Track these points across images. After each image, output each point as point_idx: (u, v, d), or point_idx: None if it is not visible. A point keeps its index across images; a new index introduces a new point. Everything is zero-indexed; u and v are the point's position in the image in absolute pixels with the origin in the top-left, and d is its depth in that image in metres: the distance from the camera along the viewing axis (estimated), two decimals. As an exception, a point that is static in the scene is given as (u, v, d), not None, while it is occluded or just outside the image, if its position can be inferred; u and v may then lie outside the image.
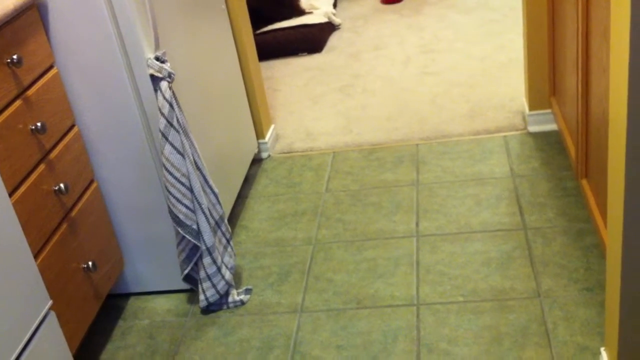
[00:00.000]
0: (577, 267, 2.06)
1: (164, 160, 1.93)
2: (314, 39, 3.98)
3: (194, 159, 1.99)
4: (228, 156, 2.48)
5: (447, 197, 2.48)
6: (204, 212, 2.00)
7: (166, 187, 1.96)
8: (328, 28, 4.19)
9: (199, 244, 2.03)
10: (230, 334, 2.05)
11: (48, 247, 1.76)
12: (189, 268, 2.08)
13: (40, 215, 1.73)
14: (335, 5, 4.59)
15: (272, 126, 3.03)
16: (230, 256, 2.15)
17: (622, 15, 1.27)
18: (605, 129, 1.83)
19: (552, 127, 2.77)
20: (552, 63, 2.61)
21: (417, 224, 2.37)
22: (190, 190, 1.98)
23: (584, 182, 2.17)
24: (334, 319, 2.03)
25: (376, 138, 2.95)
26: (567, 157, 2.58)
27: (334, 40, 4.12)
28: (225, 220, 2.13)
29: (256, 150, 2.87)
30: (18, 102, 1.69)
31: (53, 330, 1.67)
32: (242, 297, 2.15)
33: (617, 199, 1.43)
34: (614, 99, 1.39)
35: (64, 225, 1.84)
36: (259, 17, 4.15)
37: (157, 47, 1.92)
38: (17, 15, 1.71)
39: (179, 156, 1.94)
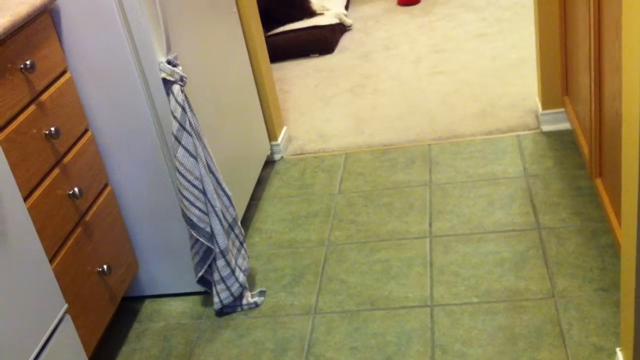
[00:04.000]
0: (592, 267, 2.05)
1: (177, 163, 1.94)
2: (325, 40, 3.99)
3: (206, 162, 2.00)
4: (241, 158, 2.49)
5: (460, 198, 2.47)
6: (217, 215, 2.00)
7: (179, 190, 1.97)
8: (339, 29, 4.19)
9: (212, 247, 2.04)
10: (245, 336, 2.05)
11: (63, 251, 1.77)
12: (202, 270, 2.09)
13: (55, 220, 1.74)
14: (347, 7, 4.59)
15: (285, 128, 3.04)
16: (244, 258, 2.16)
17: (634, 12, 1.27)
18: (618, 127, 1.82)
19: (565, 126, 2.76)
20: (565, 61, 2.59)
21: (430, 225, 2.37)
22: (204, 193, 1.98)
23: (598, 181, 2.16)
24: (348, 321, 2.03)
25: (388, 138, 2.94)
26: (580, 156, 2.56)
27: (345, 41, 4.12)
28: (239, 223, 2.14)
29: (269, 152, 2.88)
30: (32, 108, 1.70)
31: (69, 334, 1.68)
32: (256, 299, 2.16)
33: (631, 198, 1.42)
34: (627, 98, 1.38)
35: (79, 229, 1.86)
36: (270, 19, 4.16)
37: (168, 50, 1.93)
38: (29, 21, 1.72)
39: (192, 159, 1.94)
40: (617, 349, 1.68)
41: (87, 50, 1.89)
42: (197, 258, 2.08)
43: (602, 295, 1.94)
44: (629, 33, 1.32)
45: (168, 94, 1.93)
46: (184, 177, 1.95)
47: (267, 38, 3.94)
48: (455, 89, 3.27)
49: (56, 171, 1.78)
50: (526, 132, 2.80)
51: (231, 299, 2.11)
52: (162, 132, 2.00)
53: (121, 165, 2.05)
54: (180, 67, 1.94)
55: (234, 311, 2.15)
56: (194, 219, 1.99)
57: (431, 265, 2.18)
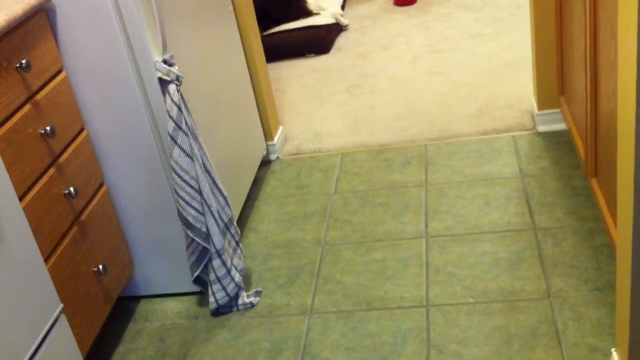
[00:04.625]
0: (588, 267, 2.05)
1: (172, 163, 1.94)
2: (321, 40, 3.99)
3: (202, 162, 1.99)
4: (237, 158, 2.48)
5: (456, 198, 2.47)
6: (213, 215, 2.00)
7: (175, 190, 1.97)
8: (335, 29, 4.19)
9: (208, 247, 2.04)
10: (240, 336, 2.05)
11: (58, 251, 1.77)
12: (198, 270, 2.09)
13: (50, 219, 1.74)
14: (343, 7, 4.59)
15: (281, 128, 3.04)
16: (240, 258, 2.16)
17: (630, 13, 1.27)
18: (614, 128, 1.82)
19: (561, 126, 2.76)
20: (560, 62, 2.60)
21: (426, 225, 2.37)
22: (199, 192, 1.98)
23: (594, 181, 2.17)
24: (344, 321, 2.03)
25: (384, 139, 2.94)
26: (576, 157, 2.57)
27: (341, 41, 4.12)
28: (235, 223, 2.14)
29: (265, 152, 2.87)
30: (27, 107, 1.70)
31: (64, 334, 1.68)
32: (251, 299, 2.15)
33: (626, 198, 1.42)
34: (622, 98, 1.38)
35: (74, 229, 1.85)
36: (266, 19, 4.15)
37: (164, 50, 1.93)
38: (25, 20, 1.72)
39: (187, 159, 1.94)
40: (613, 350, 1.69)
41: (83, 49, 1.89)
42: (193, 258, 2.08)
43: (598, 296, 1.94)
44: (625, 33, 1.33)
45: (164, 94, 1.93)
46: (179, 176, 1.95)
47: (263, 38, 3.93)
48: (451, 89, 3.27)
49: (52, 170, 1.77)
50: (522, 133, 2.80)
51: (227, 299, 2.11)
52: (157, 132, 2.00)
53: (117, 164, 2.05)
54: (176, 67, 1.94)
55: (230, 311, 2.15)
56: (190, 219, 1.99)
57: (427, 265, 2.18)
